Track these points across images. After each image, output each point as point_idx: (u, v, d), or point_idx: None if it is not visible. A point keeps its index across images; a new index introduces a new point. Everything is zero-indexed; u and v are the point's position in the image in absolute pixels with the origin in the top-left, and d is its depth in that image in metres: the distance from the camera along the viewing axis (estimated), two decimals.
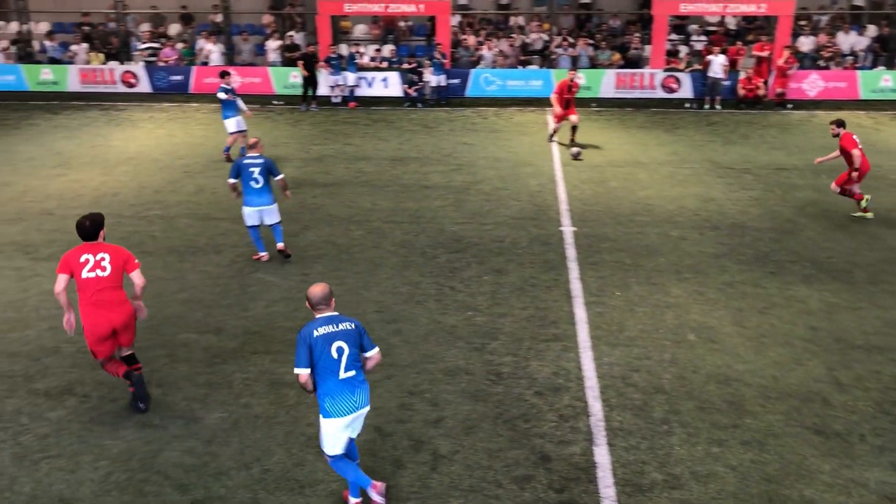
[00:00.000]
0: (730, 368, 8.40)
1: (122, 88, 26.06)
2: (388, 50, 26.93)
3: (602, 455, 6.94)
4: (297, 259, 11.48)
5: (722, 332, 9.24)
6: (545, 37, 27.08)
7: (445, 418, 7.48)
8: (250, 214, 11.05)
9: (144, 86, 26.05)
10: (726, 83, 23.60)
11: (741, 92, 23.62)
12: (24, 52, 27.43)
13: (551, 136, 19.02)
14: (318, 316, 6.01)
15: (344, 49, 25.89)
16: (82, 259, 7.24)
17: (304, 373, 5.85)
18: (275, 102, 24.61)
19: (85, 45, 26.92)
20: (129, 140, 19.35)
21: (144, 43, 27.08)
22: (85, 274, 7.20)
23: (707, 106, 23.67)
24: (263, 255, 11.37)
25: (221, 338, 9.07)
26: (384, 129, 20.76)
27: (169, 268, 11.15)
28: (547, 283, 10.64)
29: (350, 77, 24.34)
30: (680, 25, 28.15)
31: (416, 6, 25.11)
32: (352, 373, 5.92)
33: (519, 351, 8.77)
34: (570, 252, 11.75)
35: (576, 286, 10.50)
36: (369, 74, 25.28)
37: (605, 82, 25.00)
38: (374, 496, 6.15)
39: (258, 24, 29.13)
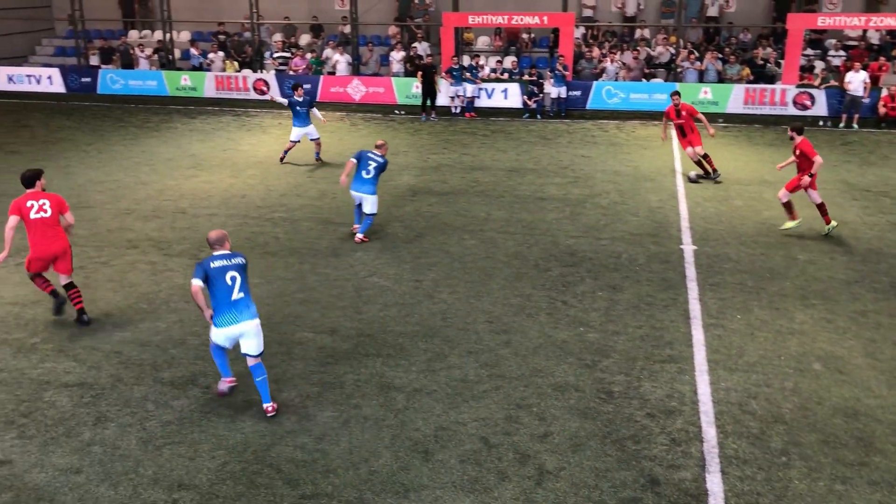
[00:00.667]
0: (859, 402, 7.90)
1: (253, 95, 27.26)
2: (509, 61, 27.00)
3: (714, 483, 6.66)
4: (411, 266, 11.65)
5: (851, 363, 8.70)
6: (671, 50, 26.45)
7: (552, 434, 7.38)
8: (354, 196, 12.78)
9: (274, 93, 27.10)
10: (866, 101, 22.31)
11: (882, 110, 22.26)
12: (165, 59, 29.17)
13: (701, 174, 16.69)
14: (214, 254, 7.63)
15: (465, 60, 26.15)
16: (28, 204, 9.26)
17: (196, 283, 7.47)
18: (396, 112, 25.12)
19: (221, 54, 28.36)
20: (258, 145, 20.21)
21: (276, 52, 28.25)
22: (32, 216, 9.25)
23: (843, 124, 22.45)
24: (357, 226, 12.93)
25: (336, 339, 9.31)
26: (502, 140, 20.80)
27: (290, 268, 11.54)
28: (664, 302, 10.34)
29: (469, 88, 24.54)
30: (816, 40, 26.87)
31: (540, 18, 25.06)
32: (241, 295, 7.54)
33: (632, 370, 8.55)
34: (690, 271, 11.38)
35: (694, 307, 10.16)
36: (489, 85, 25.41)
37: (734, 97, 24.12)
38: (223, 386, 7.92)
39: (384, 35, 29.86)
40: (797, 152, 12.90)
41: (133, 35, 31.77)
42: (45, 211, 9.28)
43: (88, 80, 28.50)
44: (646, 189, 15.78)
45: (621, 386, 8.23)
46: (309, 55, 28.02)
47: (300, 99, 17.82)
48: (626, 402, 7.90)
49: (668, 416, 7.66)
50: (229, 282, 7.50)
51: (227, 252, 7.68)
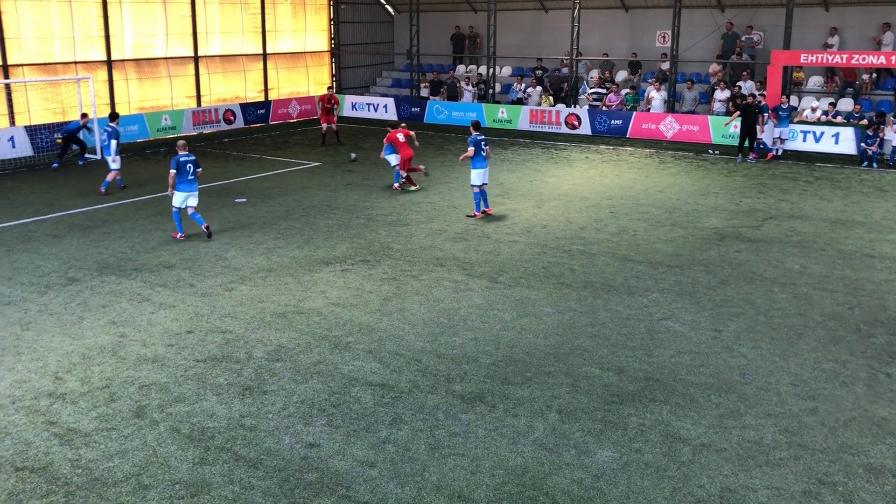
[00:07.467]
0: None
1: (564, 129, 27.88)
2: (844, 104, 24.68)
3: None
4: (711, 314, 11.06)
5: None
6: None
7: None
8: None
9: (585, 128, 27.54)
10: None
11: None
12: (485, 92, 30.95)
13: None
14: (181, 153, 14.13)
15: (794, 101, 24.40)
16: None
17: (172, 172, 14.07)
18: (710, 151, 24.13)
19: (539, 89, 29.42)
20: (563, 177, 20.59)
21: (591, 88, 28.64)
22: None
23: None
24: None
25: (622, 378, 9.11)
26: (827, 188, 19.04)
27: (582, 301, 11.55)
28: None
29: (792, 130, 22.80)
30: None
31: (887, 58, 22.60)
32: (192, 177, 14.11)
33: None
34: None
35: None
36: (818, 128, 23.42)
37: None
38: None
39: (704, 72, 28.94)
40: None
41: (460, 69, 34.15)
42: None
43: (417, 109, 31.15)
44: None
45: None
46: (625, 91, 28.01)
47: (111, 128, 17.86)
48: None
49: None
50: (189, 169, 14.06)
51: (187, 153, 13.99)
